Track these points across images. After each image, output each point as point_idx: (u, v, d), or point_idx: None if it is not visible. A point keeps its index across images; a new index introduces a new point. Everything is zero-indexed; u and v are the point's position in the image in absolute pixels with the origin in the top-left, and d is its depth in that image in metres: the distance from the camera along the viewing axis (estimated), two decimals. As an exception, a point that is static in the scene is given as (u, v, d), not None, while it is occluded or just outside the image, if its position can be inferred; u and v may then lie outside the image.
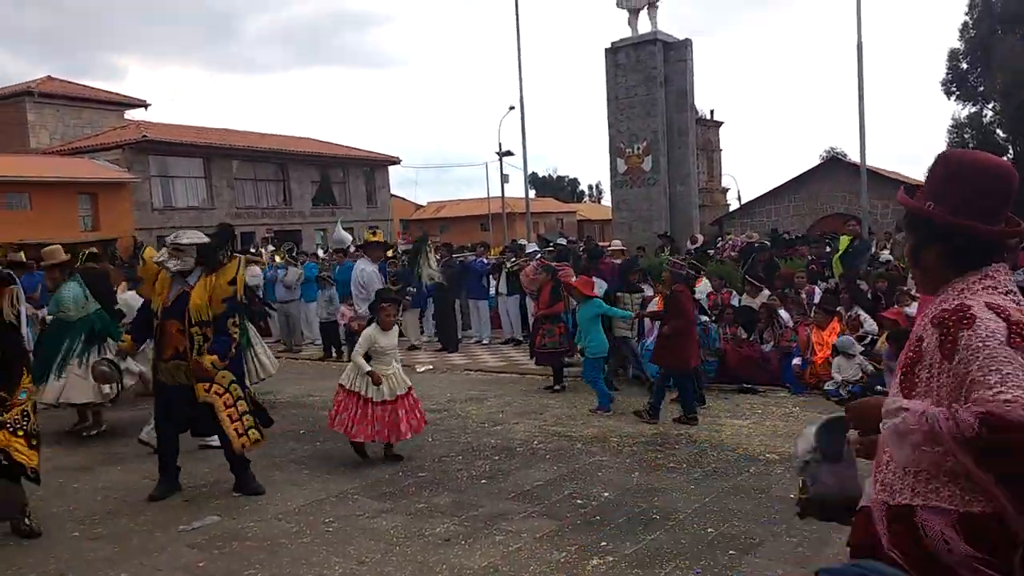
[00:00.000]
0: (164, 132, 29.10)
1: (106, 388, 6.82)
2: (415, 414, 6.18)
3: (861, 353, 7.97)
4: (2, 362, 4.49)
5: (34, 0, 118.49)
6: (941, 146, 47.52)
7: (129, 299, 8.08)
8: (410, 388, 6.19)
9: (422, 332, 13.61)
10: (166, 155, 28.45)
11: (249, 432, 5.27)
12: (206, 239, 5.38)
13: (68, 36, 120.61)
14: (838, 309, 8.73)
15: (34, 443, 4.55)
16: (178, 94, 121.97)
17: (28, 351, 5.27)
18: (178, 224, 28.14)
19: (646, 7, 17.63)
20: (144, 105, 32.92)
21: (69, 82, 31.85)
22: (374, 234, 9.42)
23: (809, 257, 12.66)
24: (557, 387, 8.87)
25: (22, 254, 10.11)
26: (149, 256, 5.48)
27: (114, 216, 25.97)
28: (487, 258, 14.12)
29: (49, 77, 30.93)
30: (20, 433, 4.47)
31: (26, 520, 4.66)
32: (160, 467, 5.41)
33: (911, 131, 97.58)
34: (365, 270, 8.85)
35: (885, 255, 12.35)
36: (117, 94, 33.12)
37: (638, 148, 17.47)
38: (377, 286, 8.03)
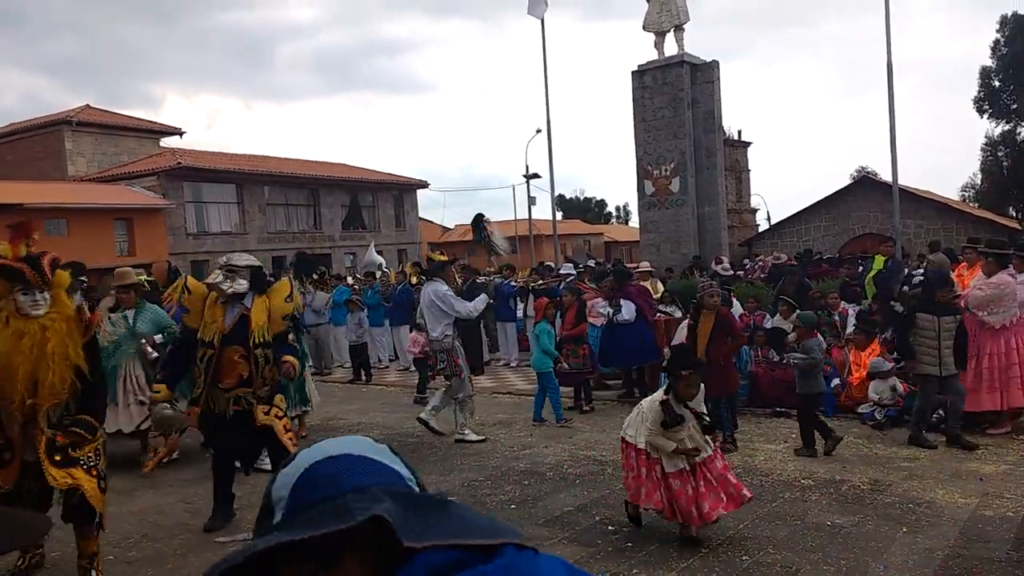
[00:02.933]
0: (198, 159, 29.67)
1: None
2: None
3: (894, 376, 7.82)
4: (87, 395, 4.15)
5: (73, 31, 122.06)
6: (974, 165, 46.85)
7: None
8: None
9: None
10: (200, 181, 28.99)
11: None
12: (256, 262, 5.28)
13: (106, 66, 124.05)
14: (875, 331, 8.60)
15: (103, 486, 4.21)
16: (213, 123, 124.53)
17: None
18: (212, 249, 28.62)
19: (673, 30, 17.69)
20: (179, 133, 33.64)
21: (107, 111, 32.68)
22: (442, 254, 8.91)
23: (844, 279, 12.50)
24: (586, 407, 8.85)
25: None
26: (195, 284, 5.29)
27: (149, 241, 26.46)
28: (515, 281, 14.15)
29: (88, 106, 31.76)
30: (93, 473, 4.13)
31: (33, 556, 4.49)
32: (216, 497, 5.28)
33: (943, 149, 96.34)
34: (440, 291, 7.73)
35: (919, 276, 12.14)
36: (153, 122, 33.91)
37: (666, 170, 17.45)
38: (461, 307, 7.63)
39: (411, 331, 11.18)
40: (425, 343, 10.20)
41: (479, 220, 8.63)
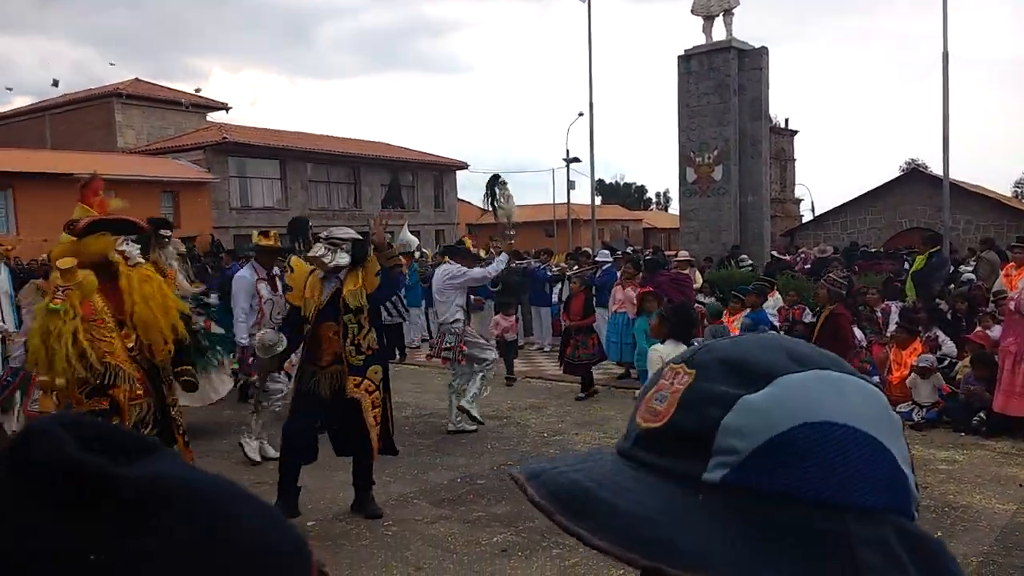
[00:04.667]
0: (243, 134, 30.04)
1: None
2: None
3: (936, 375, 7.65)
4: (186, 348, 4.15)
5: (123, 4, 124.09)
6: (1031, 159, 45.29)
7: None
8: None
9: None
10: (244, 156, 29.38)
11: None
12: (357, 235, 5.17)
13: (155, 40, 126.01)
14: (918, 329, 8.41)
15: (186, 440, 4.21)
16: (257, 99, 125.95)
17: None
18: (254, 224, 28.97)
19: (721, 14, 17.34)
20: (225, 108, 34.08)
21: (155, 84, 33.22)
22: (471, 242, 9.10)
23: (888, 274, 12.23)
24: (583, 395, 8.90)
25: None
26: (298, 263, 5.22)
27: (194, 214, 26.94)
28: (552, 266, 14.11)
29: (137, 79, 32.31)
30: (181, 431, 4.12)
31: None
32: (280, 490, 4.88)
33: (996, 142, 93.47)
34: (448, 270, 7.62)
35: (967, 274, 11.82)
36: (200, 96, 34.38)
37: (709, 157, 17.18)
38: (475, 273, 7.59)
39: (495, 313, 11.23)
40: (506, 326, 10.51)
41: (494, 180, 7.97)
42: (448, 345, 7.35)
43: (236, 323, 6.49)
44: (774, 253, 15.49)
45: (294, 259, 5.37)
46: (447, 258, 7.96)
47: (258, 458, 6.25)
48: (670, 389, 0.56)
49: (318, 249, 4.93)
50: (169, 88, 33.75)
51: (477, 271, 7.56)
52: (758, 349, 0.57)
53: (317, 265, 4.93)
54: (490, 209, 8.12)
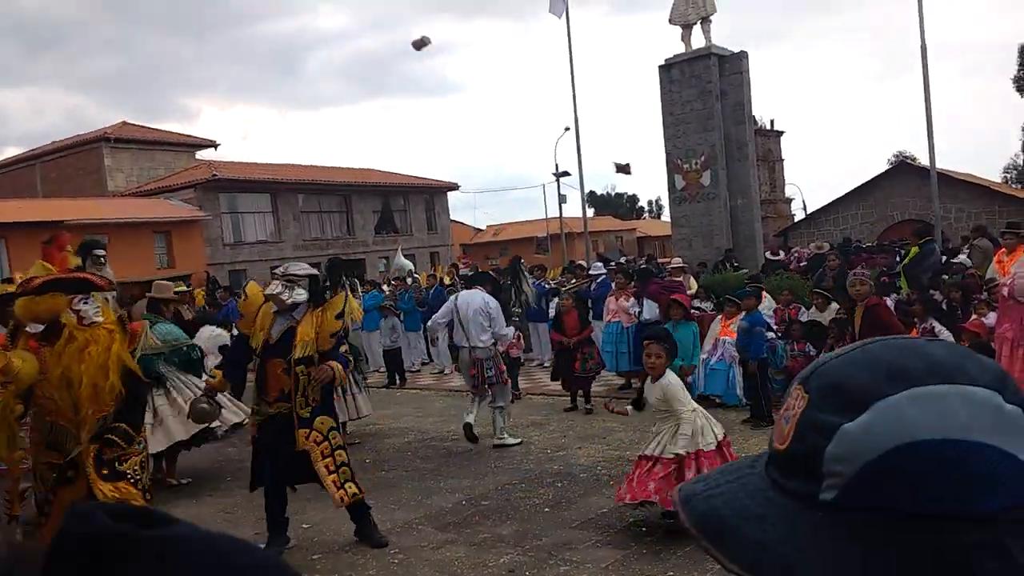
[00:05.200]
0: (233, 170, 30.16)
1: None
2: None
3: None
4: (129, 406, 4.15)
5: (110, 48, 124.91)
6: (1015, 145, 45.62)
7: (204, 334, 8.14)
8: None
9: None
10: (235, 192, 29.47)
11: (346, 486, 4.87)
12: (314, 271, 5.10)
13: (142, 81, 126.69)
14: (914, 321, 8.41)
15: (148, 498, 4.22)
16: (248, 133, 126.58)
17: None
18: (248, 258, 29.05)
19: (699, 22, 17.49)
20: (214, 145, 34.23)
21: (143, 127, 33.39)
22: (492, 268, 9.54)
23: (881, 268, 12.25)
24: (590, 406, 8.91)
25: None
26: (254, 291, 5.16)
27: (188, 252, 26.98)
28: (546, 281, 14.12)
29: (124, 123, 32.48)
30: (139, 487, 4.13)
31: None
32: (269, 524, 4.95)
33: (984, 131, 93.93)
34: (492, 303, 7.80)
35: (963, 258, 11.85)
36: (188, 136, 34.56)
37: (696, 163, 17.26)
38: (503, 329, 7.88)
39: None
40: (511, 345, 10.69)
41: (518, 260, 9.71)
42: (490, 371, 7.57)
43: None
44: (767, 255, 15.56)
45: (250, 285, 5.33)
46: (477, 287, 8.06)
47: None
48: (791, 413, 0.61)
49: (275, 287, 4.84)
50: (157, 129, 33.93)
51: (503, 328, 7.88)
52: (861, 368, 0.59)
53: (275, 303, 4.83)
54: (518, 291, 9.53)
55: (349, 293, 5.23)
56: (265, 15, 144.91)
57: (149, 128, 33.60)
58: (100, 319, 4.02)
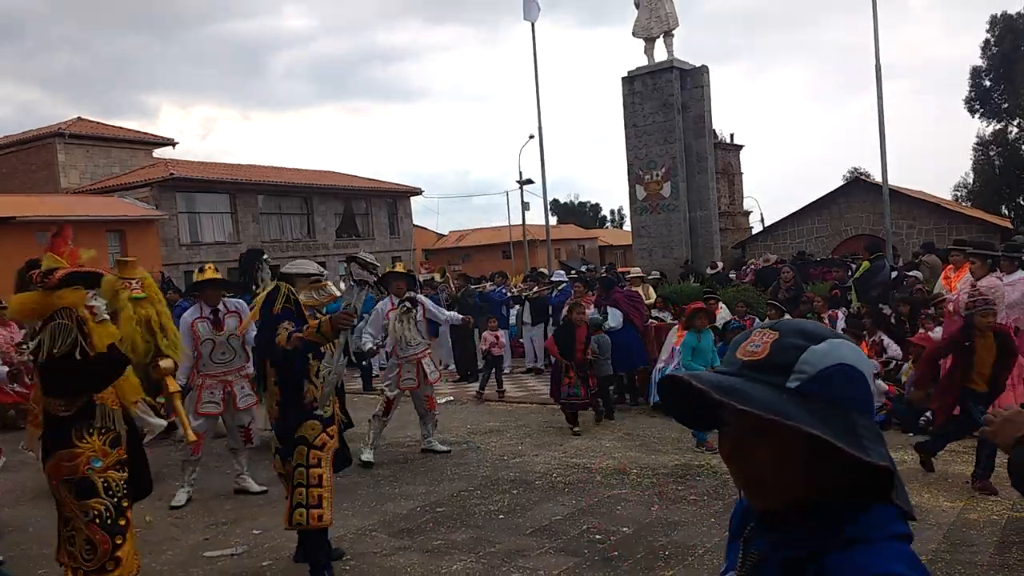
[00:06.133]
0: (191, 169, 29.66)
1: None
2: None
3: (882, 378, 7.84)
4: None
5: (69, 44, 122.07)
6: (966, 164, 47.04)
7: None
8: None
9: (440, 362, 13.61)
10: (193, 191, 28.97)
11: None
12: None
13: (101, 77, 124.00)
14: (863, 334, 8.62)
15: None
16: (208, 132, 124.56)
17: None
18: (205, 259, 28.55)
19: (662, 36, 17.74)
20: (171, 144, 33.61)
21: (98, 123, 32.64)
22: (393, 266, 8.89)
23: (833, 282, 12.52)
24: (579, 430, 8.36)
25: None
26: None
27: (142, 252, 26.35)
28: (508, 288, 14.16)
29: (79, 118, 31.72)
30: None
31: None
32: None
33: (936, 150, 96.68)
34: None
35: (916, 273, 12.16)
36: (145, 133, 33.87)
37: (657, 175, 17.48)
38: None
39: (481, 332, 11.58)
40: (492, 341, 10.94)
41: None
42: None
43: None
44: (707, 269, 15.84)
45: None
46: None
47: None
48: (762, 340, 1.06)
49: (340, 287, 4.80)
50: (113, 126, 33.21)
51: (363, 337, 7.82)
52: (811, 326, 1.10)
53: (322, 299, 4.87)
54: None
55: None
56: (229, 15, 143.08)
57: (105, 124, 32.87)
58: (107, 317, 3.93)
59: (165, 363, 3.90)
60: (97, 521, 3.48)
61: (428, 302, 8.01)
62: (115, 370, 3.72)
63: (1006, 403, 6.85)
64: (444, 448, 7.61)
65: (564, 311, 9.05)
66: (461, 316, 8.69)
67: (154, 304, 3.97)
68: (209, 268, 6.43)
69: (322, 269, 5.06)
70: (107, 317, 3.92)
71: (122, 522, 3.57)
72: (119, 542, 3.53)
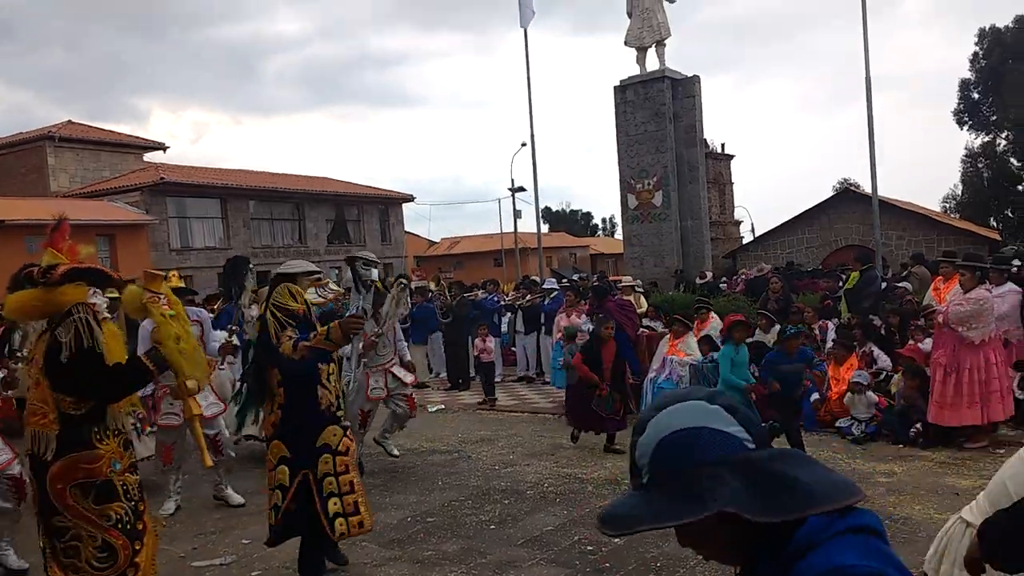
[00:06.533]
0: (182, 174, 29.56)
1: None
2: None
3: (873, 390, 7.86)
4: None
5: (61, 45, 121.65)
6: (955, 176, 47.44)
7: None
8: None
9: (430, 370, 13.60)
10: (183, 196, 28.87)
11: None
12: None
13: (92, 80, 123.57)
14: (854, 345, 8.65)
15: None
16: (200, 137, 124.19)
17: None
18: (195, 264, 28.46)
19: (654, 45, 17.84)
20: (162, 148, 33.50)
21: (89, 126, 32.50)
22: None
23: (824, 292, 12.57)
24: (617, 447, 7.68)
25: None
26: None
27: (132, 257, 26.27)
28: (501, 296, 14.15)
29: (70, 121, 31.58)
30: None
31: None
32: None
33: (925, 161, 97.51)
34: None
35: (905, 284, 12.23)
36: (136, 137, 33.75)
37: (648, 183, 17.56)
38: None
39: (473, 339, 11.68)
40: (482, 348, 11.03)
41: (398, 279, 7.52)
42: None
43: None
44: (696, 279, 15.91)
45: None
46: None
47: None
48: None
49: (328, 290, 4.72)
50: (104, 129, 33.07)
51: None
52: (648, 413, 1.16)
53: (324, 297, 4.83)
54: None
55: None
56: (221, 18, 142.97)
57: (96, 128, 32.72)
58: (108, 316, 3.84)
59: (191, 384, 3.71)
60: (118, 526, 3.36)
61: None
62: (143, 380, 3.63)
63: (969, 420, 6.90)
64: (396, 453, 7.47)
65: (589, 326, 8.76)
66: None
67: (180, 322, 3.83)
68: (173, 276, 6.37)
69: (317, 268, 5.00)
70: (108, 316, 3.85)
71: (140, 526, 3.46)
72: (138, 547, 3.43)
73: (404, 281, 7.38)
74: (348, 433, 4.46)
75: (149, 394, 6.05)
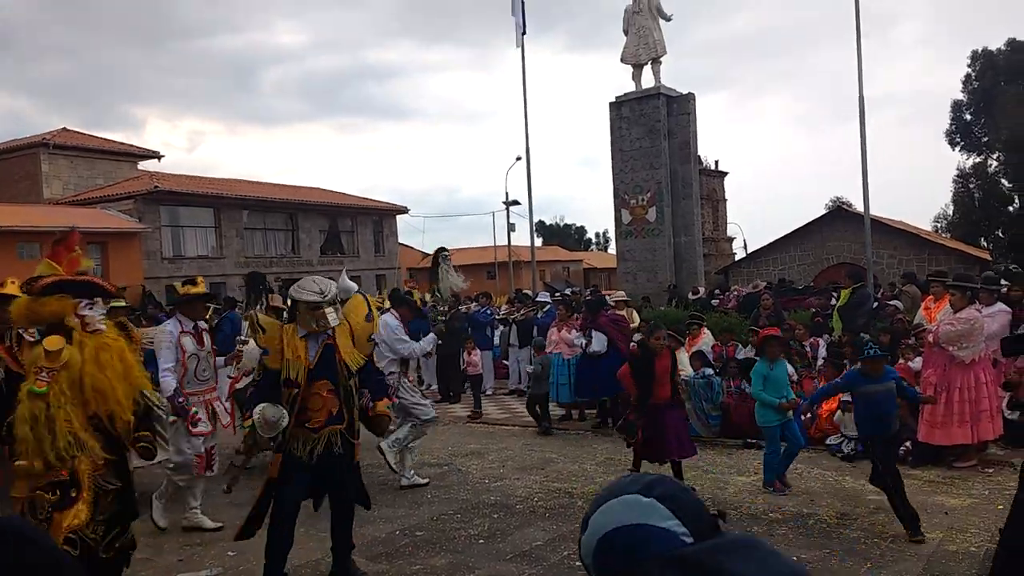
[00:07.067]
0: (175, 183, 29.51)
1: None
2: None
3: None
4: (147, 414, 3.94)
5: (55, 52, 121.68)
6: (946, 196, 47.75)
7: None
8: None
9: (422, 382, 13.56)
10: (177, 205, 28.81)
11: None
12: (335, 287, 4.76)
13: (88, 88, 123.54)
14: (844, 363, 8.67)
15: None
16: (196, 146, 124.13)
17: None
18: (188, 273, 28.34)
19: (650, 63, 17.96)
20: (157, 156, 33.47)
21: (83, 133, 32.47)
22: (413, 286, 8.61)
23: (814, 310, 12.62)
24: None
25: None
26: (269, 322, 4.80)
27: (124, 265, 26.20)
28: (494, 309, 14.15)
29: (64, 129, 31.55)
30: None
31: None
32: (269, 566, 4.51)
33: (917, 181, 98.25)
34: (391, 324, 7.23)
35: (895, 303, 12.30)
36: (131, 145, 33.73)
37: (642, 199, 17.63)
38: (404, 347, 7.20)
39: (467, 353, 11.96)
40: (473, 361, 11.31)
41: (440, 253, 7.86)
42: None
43: (162, 378, 5.70)
44: (689, 295, 15.98)
45: (262, 318, 4.90)
46: (391, 308, 7.50)
47: (164, 524, 5.95)
48: None
49: (333, 314, 4.53)
50: (98, 137, 33.05)
51: (405, 346, 7.19)
52: (591, 506, 1.15)
53: (323, 328, 4.53)
54: (434, 280, 7.86)
55: (367, 295, 5.01)
56: (219, 29, 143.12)
57: (90, 135, 32.69)
58: (104, 327, 3.76)
59: (24, 465, 3.46)
60: None
61: None
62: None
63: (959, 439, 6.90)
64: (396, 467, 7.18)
65: (635, 334, 8.48)
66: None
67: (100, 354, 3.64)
68: (201, 281, 6.36)
69: (330, 288, 4.63)
70: (102, 328, 3.78)
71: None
72: None
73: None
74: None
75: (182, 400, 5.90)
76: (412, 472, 7.15)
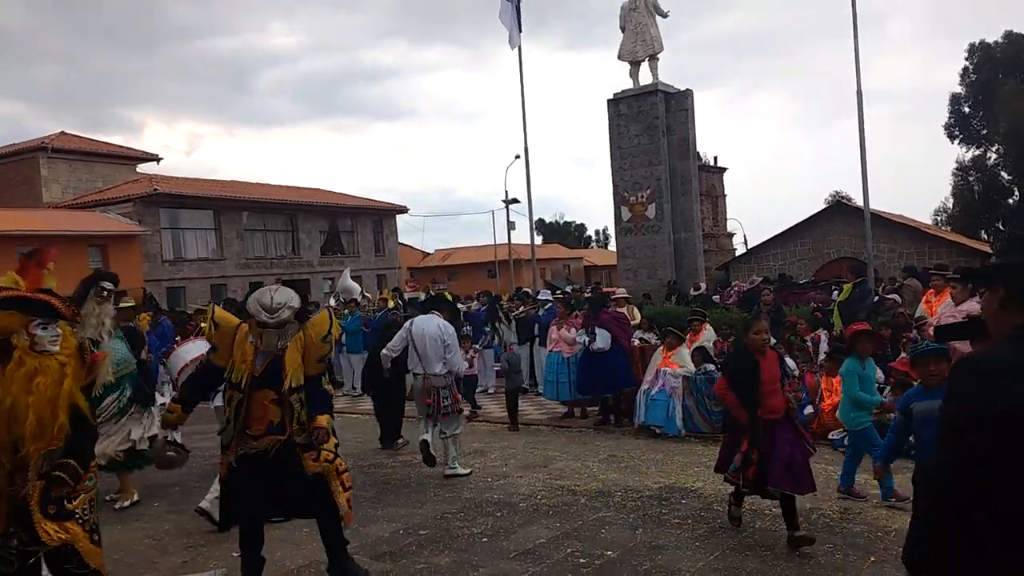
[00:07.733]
0: (175, 185, 29.53)
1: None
2: None
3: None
4: (78, 440, 3.78)
5: (53, 56, 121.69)
6: (946, 189, 47.75)
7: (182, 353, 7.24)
8: None
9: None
10: (176, 207, 28.84)
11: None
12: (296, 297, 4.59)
13: (86, 92, 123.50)
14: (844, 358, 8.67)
15: (96, 539, 3.82)
16: (194, 148, 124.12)
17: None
18: (188, 275, 28.40)
19: (647, 59, 17.95)
20: (156, 159, 33.49)
21: (82, 137, 32.48)
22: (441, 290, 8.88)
23: (815, 304, 12.61)
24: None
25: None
26: (225, 317, 4.66)
27: (124, 268, 26.17)
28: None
29: (63, 132, 31.57)
30: (87, 528, 3.76)
31: None
32: (244, 563, 4.53)
33: (916, 175, 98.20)
34: (449, 329, 7.47)
35: (894, 296, 12.29)
36: (130, 148, 33.75)
37: (642, 196, 17.63)
38: (457, 358, 7.52)
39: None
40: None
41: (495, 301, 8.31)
42: (446, 400, 7.30)
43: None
44: (691, 291, 15.98)
45: (217, 311, 4.79)
46: (433, 311, 7.55)
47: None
48: None
49: (271, 336, 4.39)
50: (97, 140, 33.06)
51: (459, 362, 7.57)
52: None
53: (261, 347, 4.43)
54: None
55: (332, 314, 4.84)
56: (214, 31, 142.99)
57: (89, 139, 32.71)
58: (55, 348, 3.67)
59: None
60: None
61: None
62: None
63: None
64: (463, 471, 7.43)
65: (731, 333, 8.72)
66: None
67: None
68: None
69: (283, 307, 4.39)
70: (53, 350, 3.71)
71: None
72: None
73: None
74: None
75: None
76: (455, 462, 7.38)
